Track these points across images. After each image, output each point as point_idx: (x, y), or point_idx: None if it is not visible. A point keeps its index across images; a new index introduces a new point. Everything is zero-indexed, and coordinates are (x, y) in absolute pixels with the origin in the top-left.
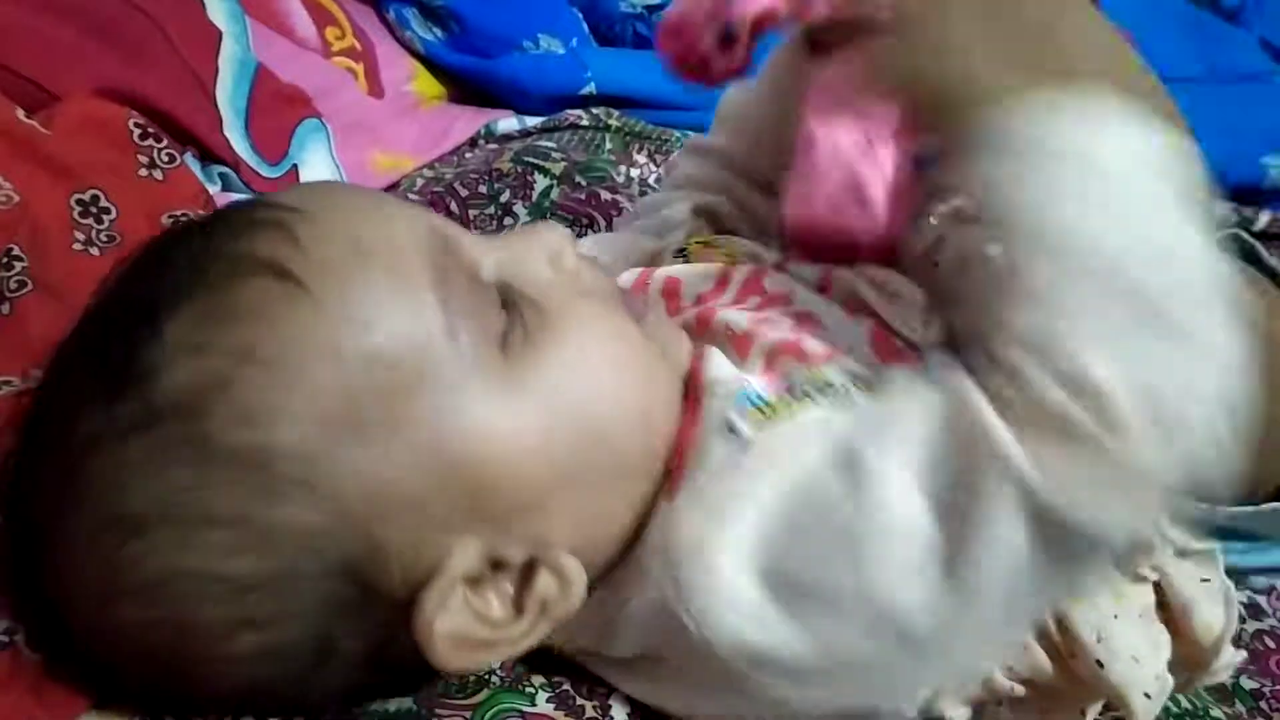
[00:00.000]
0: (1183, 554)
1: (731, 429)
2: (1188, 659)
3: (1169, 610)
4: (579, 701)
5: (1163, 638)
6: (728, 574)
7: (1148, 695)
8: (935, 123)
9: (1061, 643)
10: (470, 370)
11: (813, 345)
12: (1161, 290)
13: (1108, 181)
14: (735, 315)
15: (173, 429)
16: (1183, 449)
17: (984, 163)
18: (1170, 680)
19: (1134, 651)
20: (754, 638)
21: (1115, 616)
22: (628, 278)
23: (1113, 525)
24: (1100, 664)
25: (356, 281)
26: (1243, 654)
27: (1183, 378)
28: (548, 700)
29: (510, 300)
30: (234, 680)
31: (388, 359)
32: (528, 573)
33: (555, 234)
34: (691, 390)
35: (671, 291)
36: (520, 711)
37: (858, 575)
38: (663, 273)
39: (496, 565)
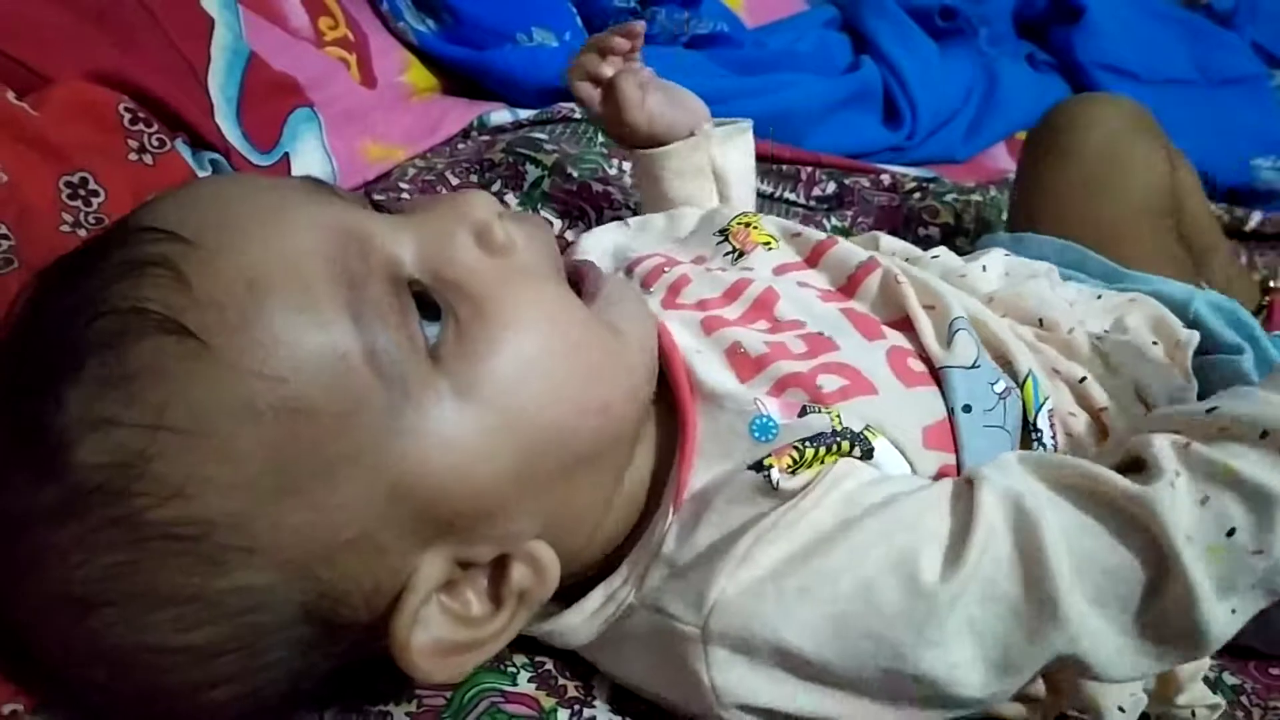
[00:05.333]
0: None
1: (761, 471)
2: (1160, 689)
3: None
4: (561, 681)
5: None
6: (752, 629)
7: (1122, 709)
8: None
9: None
10: (400, 393)
11: (827, 381)
12: None
13: None
14: (748, 335)
15: (99, 513)
16: None
17: None
18: (1144, 699)
19: None
20: (764, 699)
21: None
22: (647, 264)
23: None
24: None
25: (258, 326)
26: (1220, 700)
27: None
28: (529, 680)
29: (438, 293)
30: (215, 716)
31: (307, 405)
32: (499, 564)
33: (479, 205)
34: (680, 383)
35: (677, 288)
36: (501, 691)
37: (906, 666)
38: (680, 269)
39: (466, 565)
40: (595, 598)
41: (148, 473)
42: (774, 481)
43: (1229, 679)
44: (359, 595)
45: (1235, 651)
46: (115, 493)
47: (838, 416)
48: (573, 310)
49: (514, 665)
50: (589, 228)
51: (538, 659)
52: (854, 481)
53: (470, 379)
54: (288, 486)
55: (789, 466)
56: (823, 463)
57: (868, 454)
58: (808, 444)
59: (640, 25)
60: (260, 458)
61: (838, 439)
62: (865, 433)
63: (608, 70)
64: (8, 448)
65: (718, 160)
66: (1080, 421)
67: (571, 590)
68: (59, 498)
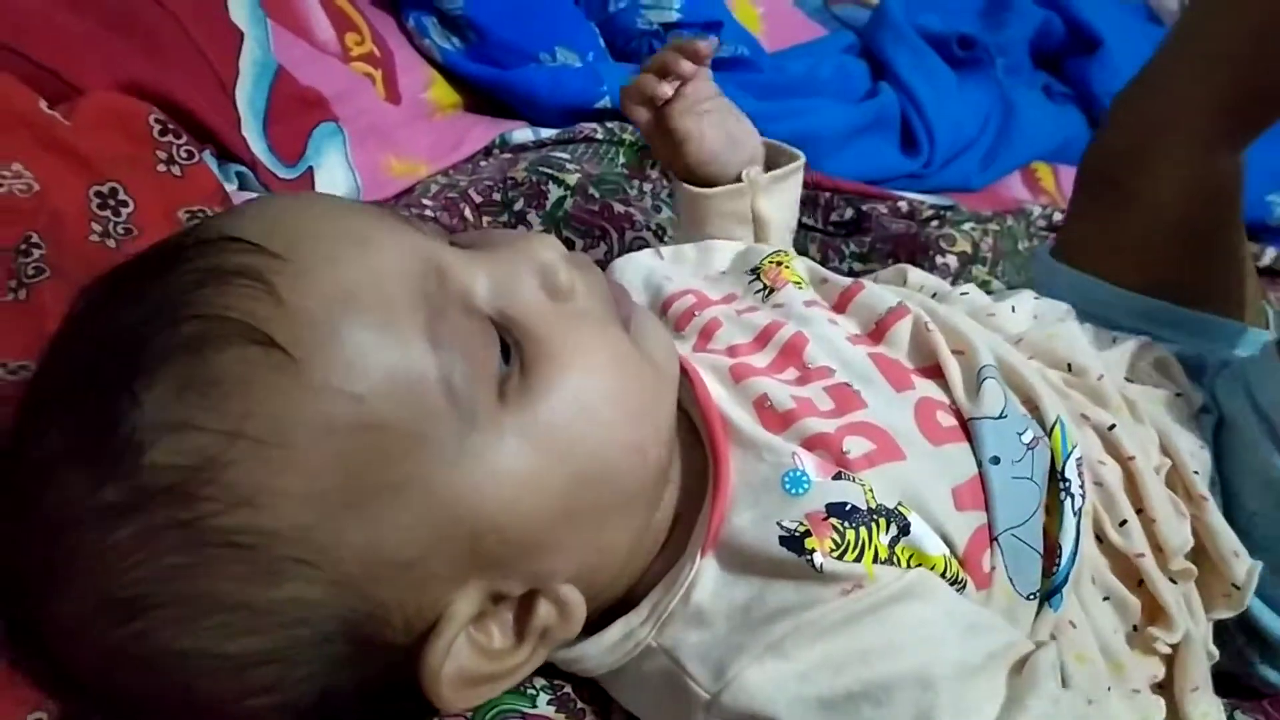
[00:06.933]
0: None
1: (801, 553)
2: None
3: (1171, 690)
4: (580, 705)
5: (1155, 712)
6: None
7: None
8: None
9: None
10: (467, 423)
11: (854, 445)
12: None
13: None
14: (776, 388)
15: (163, 513)
16: None
17: None
18: None
19: None
20: None
21: (1109, 689)
22: (680, 306)
23: None
24: None
25: (344, 343)
26: None
27: None
28: (548, 703)
29: (506, 331)
30: None
31: (382, 426)
32: (527, 600)
33: (547, 249)
34: (715, 429)
35: (708, 332)
36: (521, 712)
37: None
38: (711, 312)
39: (496, 598)
40: (614, 632)
41: (220, 479)
42: (817, 565)
43: (1241, 717)
44: (400, 618)
45: (1248, 691)
46: (182, 496)
47: (871, 491)
48: (626, 356)
49: (534, 688)
50: (610, 248)
51: (557, 682)
52: (921, 608)
53: (529, 417)
54: (353, 503)
55: (832, 550)
56: (869, 547)
57: (904, 530)
58: (846, 524)
59: (709, 45)
60: (331, 473)
61: (875, 517)
62: (899, 508)
63: (666, 90)
64: (67, 446)
65: (760, 209)
66: (1110, 470)
67: (591, 619)
68: (121, 496)
